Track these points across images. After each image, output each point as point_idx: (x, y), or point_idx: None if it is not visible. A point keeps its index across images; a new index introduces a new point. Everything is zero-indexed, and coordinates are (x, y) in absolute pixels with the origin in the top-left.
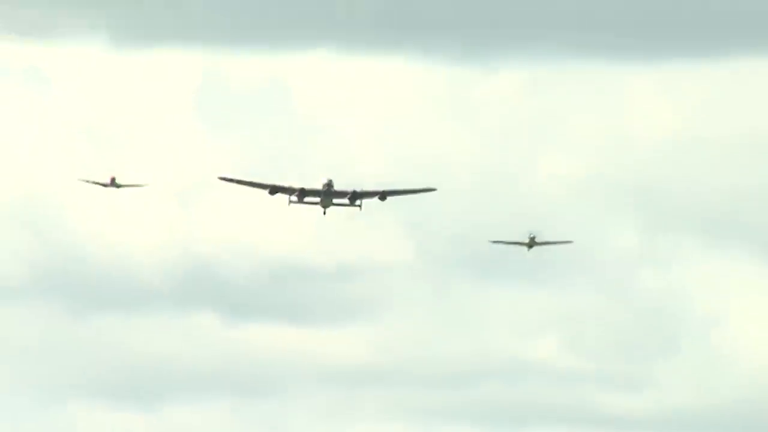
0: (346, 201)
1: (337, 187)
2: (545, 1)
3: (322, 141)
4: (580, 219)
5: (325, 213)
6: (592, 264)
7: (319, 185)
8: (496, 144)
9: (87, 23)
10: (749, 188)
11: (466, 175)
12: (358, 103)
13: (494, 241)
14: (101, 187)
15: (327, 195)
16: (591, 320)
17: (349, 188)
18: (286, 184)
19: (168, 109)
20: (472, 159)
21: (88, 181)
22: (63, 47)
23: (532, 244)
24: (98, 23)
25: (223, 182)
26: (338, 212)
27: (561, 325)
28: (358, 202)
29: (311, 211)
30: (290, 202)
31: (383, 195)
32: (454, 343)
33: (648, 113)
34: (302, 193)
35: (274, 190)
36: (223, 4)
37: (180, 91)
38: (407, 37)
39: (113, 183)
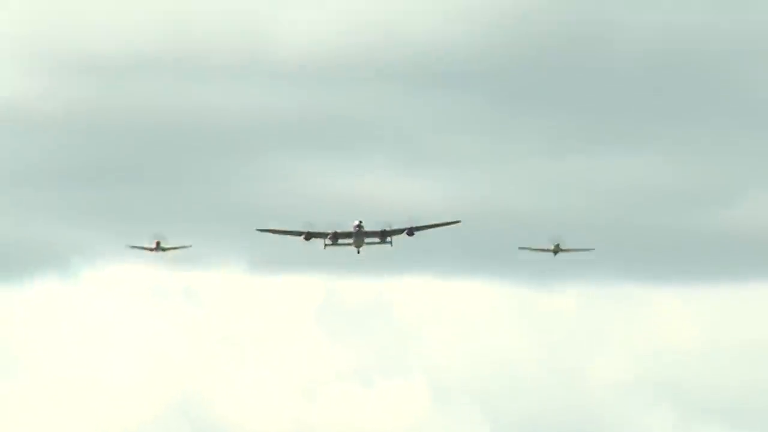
0: (377, 239)
1: (366, 227)
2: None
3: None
4: (623, 415)
5: (359, 252)
6: None
7: (350, 228)
8: (552, 352)
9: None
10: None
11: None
12: (446, 320)
13: (522, 248)
14: (148, 252)
15: (358, 236)
16: None
17: (378, 227)
18: (319, 230)
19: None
20: (530, 361)
21: (135, 247)
22: (210, 272)
23: (557, 250)
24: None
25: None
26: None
27: None
28: (388, 239)
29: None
30: (325, 245)
31: (411, 231)
32: None
33: (678, 327)
34: (335, 236)
35: (309, 236)
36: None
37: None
38: (482, 267)
39: (159, 247)
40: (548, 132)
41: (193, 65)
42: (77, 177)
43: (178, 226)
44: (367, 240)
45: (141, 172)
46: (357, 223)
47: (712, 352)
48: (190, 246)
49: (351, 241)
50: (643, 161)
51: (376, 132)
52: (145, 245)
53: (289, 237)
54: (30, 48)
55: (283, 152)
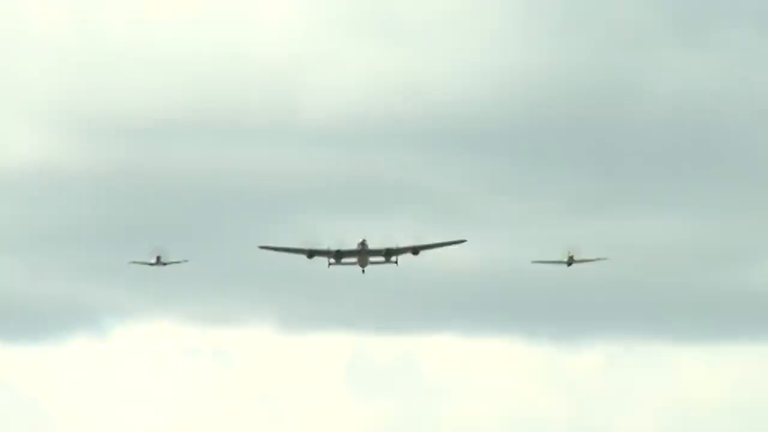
0: (381, 258)
1: (370, 245)
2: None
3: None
4: None
5: (363, 272)
6: None
7: (354, 245)
8: (576, 411)
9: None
10: None
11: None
12: (472, 378)
13: (535, 261)
14: (148, 266)
15: (362, 254)
16: None
17: (383, 246)
18: (323, 247)
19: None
20: (553, 419)
21: (136, 262)
22: (240, 330)
23: (570, 261)
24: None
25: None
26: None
27: None
28: (393, 258)
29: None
30: (329, 264)
31: (416, 250)
32: None
33: (701, 384)
34: (338, 255)
35: (312, 254)
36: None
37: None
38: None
39: (159, 261)
40: (570, 191)
41: (222, 128)
42: (110, 236)
43: (207, 281)
44: (372, 259)
45: (171, 230)
46: (361, 240)
47: (737, 412)
48: (188, 261)
49: (355, 260)
50: (667, 220)
51: (402, 192)
52: (146, 260)
53: (292, 255)
54: (66, 110)
55: (312, 212)
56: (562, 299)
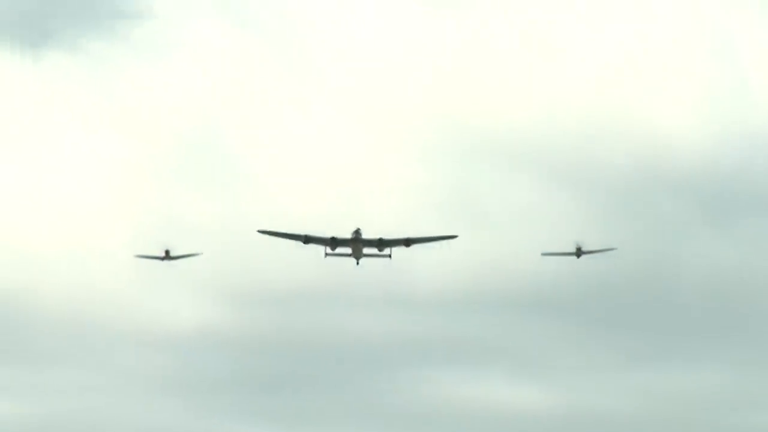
0: (375, 250)
1: (364, 235)
2: None
3: None
4: None
5: (358, 263)
6: None
7: (348, 234)
8: None
9: None
10: None
11: None
12: None
13: (545, 254)
14: (157, 260)
15: (356, 243)
16: None
17: (376, 236)
18: (318, 234)
19: None
20: None
21: (143, 256)
22: None
23: (579, 253)
24: None
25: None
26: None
27: None
28: (387, 251)
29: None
30: (326, 254)
31: (408, 242)
32: None
33: None
34: (334, 242)
35: (308, 240)
36: None
37: None
38: None
39: (167, 256)
40: (626, 348)
41: (342, 298)
42: (258, 387)
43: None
44: (366, 251)
45: (304, 382)
46: (355, 229)
47: None
48: (200, 254)
49: (350, 250)
50: (706, 374)
51: (490, 349)
52: (154, 254)
53: (289, 240)
54: (221, 284)
55: (418, 367)
56: None
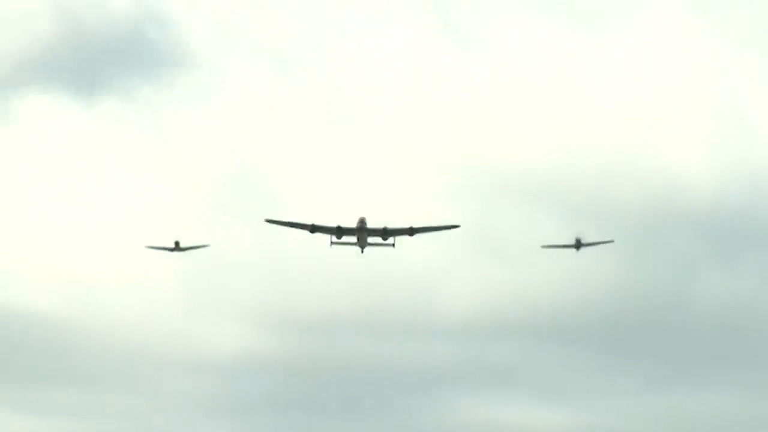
0: (379, 239)
1: (369, 224)
2: None
3: None
4: None
5: (362, 252)
6: None
7: (353, 223)
8: None
9: None
10: None
11: None
12: None
13: (545, 246)
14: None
15: (361, 231)
16: None
17: (380, 225)
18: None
19: None
20: None
21: (153, 247)
22: None
23: (579, 245)
24: None
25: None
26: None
27: None
28: (390, 240)
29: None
30: (331, 243)
31: (411, 231)
32: None
33: None
34: (339, 230)
35: (314, 228)
36: None
37: None
38: None
39: (177, 247)
40: (640, 373)
41: (374, 324)
42: (298, 409)
43: None
44: (370, 240)
45: (336, 405)
46: (360, 218)
47: None
48: (208, 245)
49: (355, 239)
50: (720, 397)
51: (512, 373)
52: (164, 245)
53: (296, 229)
54: (260, 312)
55: (445, 390)
56: None
